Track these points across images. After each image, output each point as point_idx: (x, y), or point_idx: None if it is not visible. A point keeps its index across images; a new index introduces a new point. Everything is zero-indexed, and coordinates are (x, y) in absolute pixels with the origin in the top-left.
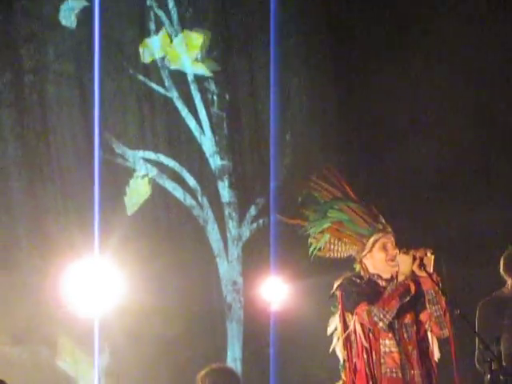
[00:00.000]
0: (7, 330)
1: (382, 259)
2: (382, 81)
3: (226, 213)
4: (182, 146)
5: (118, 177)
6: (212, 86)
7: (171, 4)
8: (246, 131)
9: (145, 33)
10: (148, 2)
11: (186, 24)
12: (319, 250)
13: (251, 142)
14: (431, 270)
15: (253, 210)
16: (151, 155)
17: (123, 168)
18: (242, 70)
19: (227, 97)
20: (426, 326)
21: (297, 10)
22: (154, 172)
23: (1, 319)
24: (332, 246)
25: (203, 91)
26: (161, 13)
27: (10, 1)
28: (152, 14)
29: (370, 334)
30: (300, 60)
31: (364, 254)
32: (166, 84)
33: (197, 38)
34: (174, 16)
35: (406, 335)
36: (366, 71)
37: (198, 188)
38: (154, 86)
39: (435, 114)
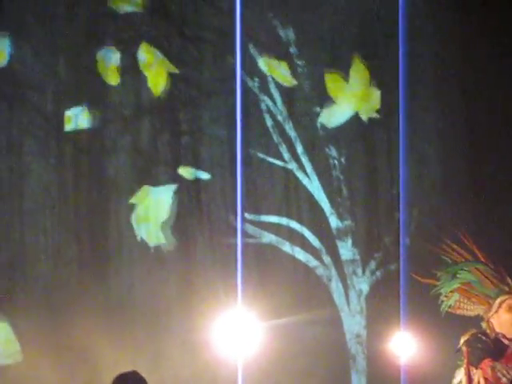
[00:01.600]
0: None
1: (507, 320)
2: None
3: (349, 270)
4: (308, 210)
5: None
6: (333, 152)
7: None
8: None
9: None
10: None
11: None
12: (449, 307)
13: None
14: None
15: (372, 265)
16: (283, 221)
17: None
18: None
19: (344, 160)
20: None
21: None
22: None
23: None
24: (461, 305)
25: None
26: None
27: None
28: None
29: None
30: (433, 128)
31: (491, 314)
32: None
33: None
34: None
35: None
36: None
37: (322, 248)
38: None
39: None
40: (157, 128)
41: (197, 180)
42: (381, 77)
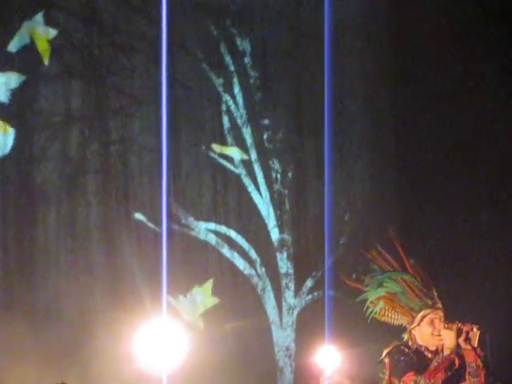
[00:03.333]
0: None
1: (428, 333)
2: None
3: (283, 283)
4: (247, 218)
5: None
6: (276, 165)
7: (237, 89)
8: (307, 208)
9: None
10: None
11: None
12: (375, 313)
13: (311, 218)
14: (476, 344)
15: (309, 282)
16: (218, 227)
17: (189, 238)
18: (310, 151)
19: (290, 175)
20: None
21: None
22: (215, 241)
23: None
24: (386, 313)
25: (267, 169)
26: (227, 97)
27: (104, 77)
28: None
29: None
30: (364, 144)
31: (413, 326)
32: (235, 161)
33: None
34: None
35: None
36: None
37: (258, 259)
38: (224, 163)
39: None
40: (86, 136)
41: (125, 188)
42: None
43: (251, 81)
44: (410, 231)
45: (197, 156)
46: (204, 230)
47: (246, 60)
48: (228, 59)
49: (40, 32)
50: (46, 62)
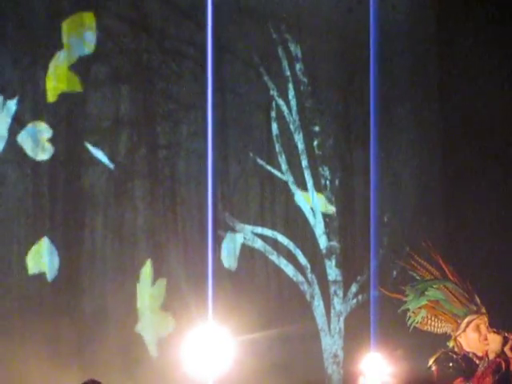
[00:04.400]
0: None
1: (475, 339)
2: None
3: (332, 290)
4: (296, 226)
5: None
6: (326, 172)
7: (291, 94)
8: (353, 215)
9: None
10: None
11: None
12: (416, 323)
13: (357, 224)
14: None
15: (354, 288)
16: (266, 233)
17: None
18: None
19: (337, 182)
20: None
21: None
22: (263, 247)
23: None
24: (428, 321)
25: (316, 176)
26: (281, 102)
27: (152, 82)
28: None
29: None
30: (411, 152)
31: (458, 333)
32: (283, 168)
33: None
34: (294, 106)
35: None
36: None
37: (308, 266)
38: (271, 169)
39: None
40: (134, 141)
41: (173, 193)
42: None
43: (302, 87)
44: (454, 239)
45: (245, 162)
46: (251, 235)
47: (299, 66)
48: (285, 64)
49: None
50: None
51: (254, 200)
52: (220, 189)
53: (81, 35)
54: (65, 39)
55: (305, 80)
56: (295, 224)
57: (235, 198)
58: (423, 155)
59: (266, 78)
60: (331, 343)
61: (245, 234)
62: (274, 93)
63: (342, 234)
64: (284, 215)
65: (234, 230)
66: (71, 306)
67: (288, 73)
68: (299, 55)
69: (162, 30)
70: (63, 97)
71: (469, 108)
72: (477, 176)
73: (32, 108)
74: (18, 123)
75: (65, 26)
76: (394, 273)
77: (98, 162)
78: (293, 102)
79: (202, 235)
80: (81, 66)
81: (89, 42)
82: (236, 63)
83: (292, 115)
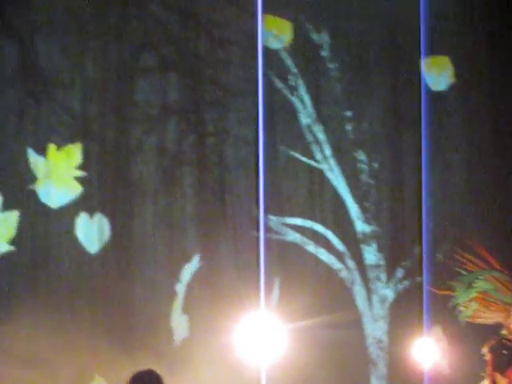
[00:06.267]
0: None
1: None
2: None
3: (373, 275)
4: (332, 212)
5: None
6: (362, 157)
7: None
8: (395, 199)
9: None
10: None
11: None
12: (468, 317)
13: (398, 208)
14: None
15: (399, 273)
16: (307, 223)
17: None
18: (406, 143)
19: (376, 166)
20: None
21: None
22: (301, 236)
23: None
24: (480, 314)
25: (352, 161)
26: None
27: (200, 69)
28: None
29: None
30: (463, 135)
31: (511, 319)
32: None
33: None
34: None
35: None
36: None
37: (346, 252)
38: (305, 159)
39: None
40: (182, 128)
41: (221, 180)
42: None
43: (330, 73)
44: (504, 228)
45: (292, 149)
46: (292, 224)
47: (324, 53)
48: (310, 52)
49: None
50: None
51: (301, 187)
52: (269, 176)
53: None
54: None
55: (332, 66)
56: (334, 211)
57: (284, 184)
58: (473, 140)
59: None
60: (375, 328)
61: (287, 221)
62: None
63: (382, 219)
64: (322, 204)
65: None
66: (122, 294)
67: (311, 62)
68: (326, 41)
69: (209, 17)
70: (111, 85)
71: None
72: None
73: (81, 96)
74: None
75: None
76: (440, 257)
77: (147, 150)
78: (310, 93)
79: (250, 222)
80: (129, 55)
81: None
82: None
83: (311, 106)
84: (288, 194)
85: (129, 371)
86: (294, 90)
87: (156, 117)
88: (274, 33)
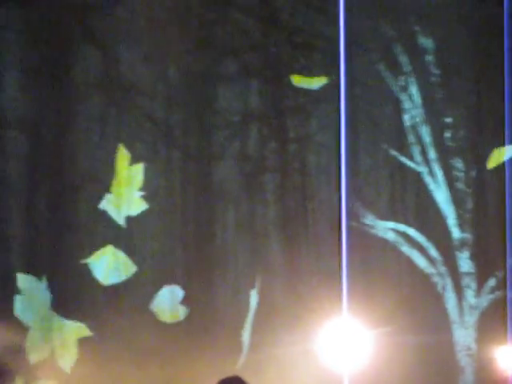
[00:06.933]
0: None
1: None
2: None
3: (464, 282)
4: (427, 217)
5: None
6: (459, 164)
7: (414, 88)
8: (489, 207)
9: (399, 111)
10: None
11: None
12: None
13: (492, 217)
14: None
15: (491, 282)
16: (399, 226)
17: (370, 236)
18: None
19: (473, 174)
20: None
21: None
22: (394, 239)
23: None
24: None
25: (448, 168)
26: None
27: (282, 75)
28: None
29: None
30: None
31: None
32: (417, 159)
33: None
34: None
35: None
36: None
37: (439, 257)
38: (405, 160)
39: None
40: (264, 134)
41: (303, 186)
42: None
43: (433, 78)
44: None
45: (375, 154)
46: (383, 228)
47: (429, 57)
48: (405, 58)
49: None
50: None
51: (384, 192)
52: (351, 182)
53: None
54: None
55: (436, 72)
56: (427, 216)
57: (366, 190)
58: None
59: (385, 73)
60: (464, 335)
61: (376, 226)
62: (402, 84)
63: (476, 227)
64: (416, 207)
65: (365, 224)
66: (202, 299)
67: (409, 67)
68: (429, 47)
69: (291, 23)
70: (193, 92)
71: None
72: None
73: (163, 104)
74: None
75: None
76: None
77: (229, 157)
78: (416, 96)
79: (332, 228)
80: (211, 62)
81: None
82: (364, 57)
83: (417, 108)
84: (372, 198)
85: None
86: (404, 88)
87: (238, 123)
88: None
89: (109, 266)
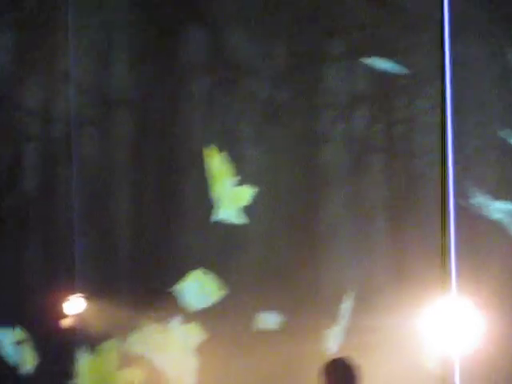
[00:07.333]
0: None
1: None
2: None
3: None
4: None
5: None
6: None
7: None
8: None
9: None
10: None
11: None
12: None
13: None
14: None
15: None
16: (508, 206)
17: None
18: None
19: None
20: None
21: None
22: (508, 220)
23: None
24: None
25: None
26: None
27: (388, 56)
28: None
29: None
30: None
31: None
32: None
33: None
34: None
35: None
36: None
37: None
38: None
39: None
40: (371, 115)
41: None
42: None
43: None
44: None
45: (483, 136)
46: (491, 208)
47: None
48: None
49: None
50: None
51: (493, 172)
52: (460, 163)
53: None
54: None
55: None
56: None
57: (474, 170)
58: None
59: (503, 50)
60: None
61: (484, 206)
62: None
63: None
64: None
65: (472, 202)
66: (309, 280)
67: None
68: None
69: (397, 3)
70: (300, 73)
71: None
72: None
73: (269, 84)
74: None
75: None
76: None
77: (335, 137)
78: None
79: (439, 209)
80: (318, 42)
81: None
82: (471, 37)
83: None
84: (480, 177)
85: None
86: None
87: (344, 104)
88: None
89: None
